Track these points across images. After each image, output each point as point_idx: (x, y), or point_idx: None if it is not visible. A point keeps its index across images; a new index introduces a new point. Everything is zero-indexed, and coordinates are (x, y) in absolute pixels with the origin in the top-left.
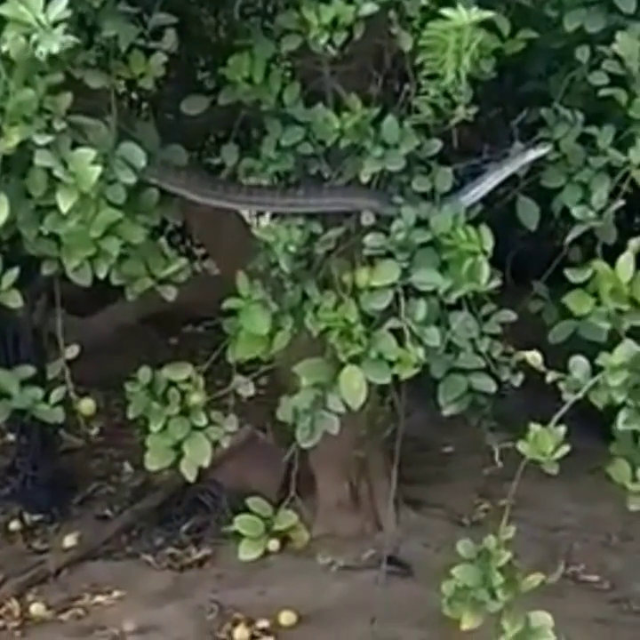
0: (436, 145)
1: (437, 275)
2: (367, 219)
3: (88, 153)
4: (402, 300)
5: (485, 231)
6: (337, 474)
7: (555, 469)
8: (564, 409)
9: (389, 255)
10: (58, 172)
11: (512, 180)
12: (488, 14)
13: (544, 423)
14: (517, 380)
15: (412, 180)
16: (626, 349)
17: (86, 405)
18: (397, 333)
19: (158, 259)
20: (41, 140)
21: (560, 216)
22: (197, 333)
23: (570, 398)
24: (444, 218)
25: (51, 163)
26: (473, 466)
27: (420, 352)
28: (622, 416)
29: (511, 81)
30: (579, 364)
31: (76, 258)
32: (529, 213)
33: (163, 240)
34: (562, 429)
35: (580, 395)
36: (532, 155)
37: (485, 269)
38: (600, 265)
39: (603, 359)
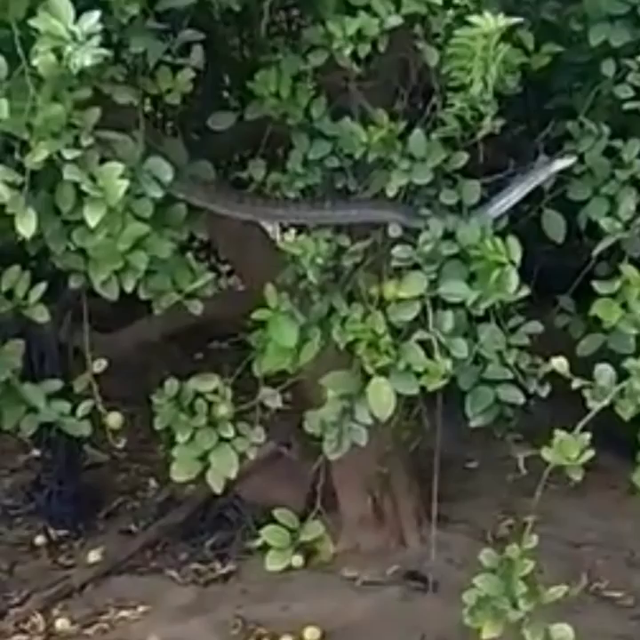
0: (463, 157)
1: (465, 286)
2: (394, 231)
3: (115, 167)
4: (429, 311)
5: (513, 242)
6: (360, 489)
7: (579, 475)
8: (588, 416)
9: (416, 267)
10: (85, 187)
11: (537, 193)
12: (515, 20)
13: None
14: (544, 391)
15: (438, 194)
16: None
17: (114, 419)
18: (425, 345)
19: (185, 273)
20: (69, 154)
21: (585, 230)
22: (222, 349)
23: (595, 406)
24: (472, 229)
25: (79, 177)
26: (497, 481)
27: (448, 364)
28: None
29: (536, 96)
30: (604, 371)
31: (104, 272)
32: (555, 226)
33: (190, 255)
34: (586, 436)
35: (605, 402)
36: (558, 165)
37: (514, 279)
38: (628, 269)
39: (629, 363)
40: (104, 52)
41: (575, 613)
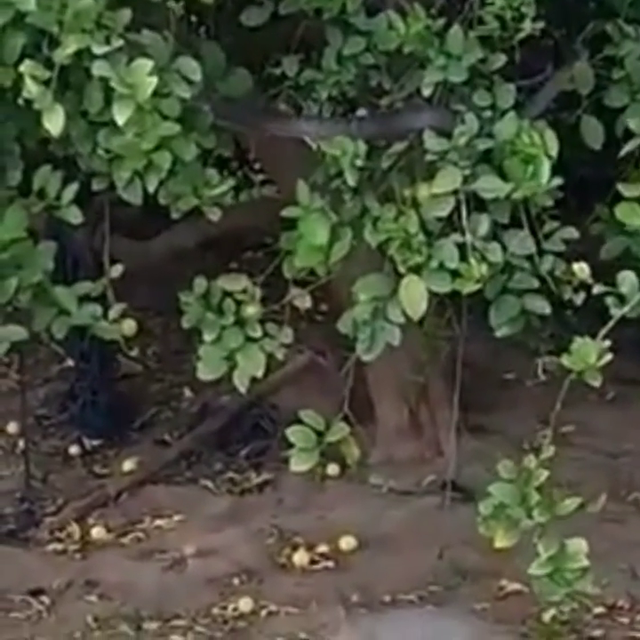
0: (500, 59)
1: (499, 181)
2: (429, 137)
3: (145, 64)
4: (463, 212)
5: (550, 135)
6: (396, 400)
7: (598, 381)
8: (610, 323)
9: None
10: (114, 83)
11: (575, 100)
12: None
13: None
14: (579, 298)
15: (473, 94)
16: None
17: (128, 326)
18: (459, 248)
19: (206, 179)
20: (99, 49)
21: (623, 137)
22: (257, 259)
23: (616, 313)
24: (508, 124)
25: (108, 73)
26: (534, 392)
27: (484, 268)
28: None
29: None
30: (627, 278)
31: (127, 170)
32: (593, 133)
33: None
34: (606, 343)
35: (626, 309)
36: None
37: (546, 170)
38: None
39: None
40: None
41: (614, 524)
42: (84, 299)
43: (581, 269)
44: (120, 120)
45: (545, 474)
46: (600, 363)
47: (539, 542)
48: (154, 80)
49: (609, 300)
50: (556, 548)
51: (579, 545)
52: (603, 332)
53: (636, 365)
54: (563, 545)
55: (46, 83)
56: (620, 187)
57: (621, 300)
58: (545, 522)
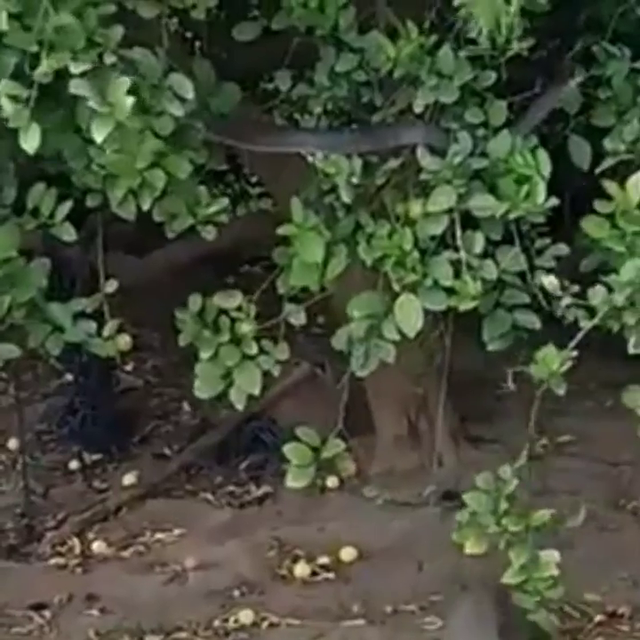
0: (491, 76)
1: (494, 199)
2: (422, 155)
3: (124, 82)
4: (458, 230)
5: (543, 155)
6: (395, 410)
7: (562, 389)
8: (579, 335)
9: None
10: (92, 102)
11: (563, 118)
12: None
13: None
14: (571, 314)
15: (465, 112)
16: (632, 267)
17: (123, 341)
18: (454, 266)
19: (201, 197)
20: (76, 68)
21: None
22: (254, 273)
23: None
24: (502, 143)
25: (86, 92)
26: (531, 402)
27: (478, 285)
28: (633, 338)
29: (566, 13)
30: (597, 292)
31: (120, 189)
32: (580, 152)
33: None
34: (571, 353)
35: (595, 320)
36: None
37: (541, 190)
38: (610, 185)
39: (611, 279)
40: None
41: (612, 533)
42: (78, 315)
43: (551, 283)
44: (98, 138)
45: (514, 482)
46: (562, 369)
47: (511, 551)
48: (130, 99)
49: (579, 314)
50: (526, 557)
51: (551, 555)
52: (572, 343)
53: (633, 371)
54: (535, 555)
55: (27, 100)
56: (597, 203)
57: (591, 313)
58: (517, 531)
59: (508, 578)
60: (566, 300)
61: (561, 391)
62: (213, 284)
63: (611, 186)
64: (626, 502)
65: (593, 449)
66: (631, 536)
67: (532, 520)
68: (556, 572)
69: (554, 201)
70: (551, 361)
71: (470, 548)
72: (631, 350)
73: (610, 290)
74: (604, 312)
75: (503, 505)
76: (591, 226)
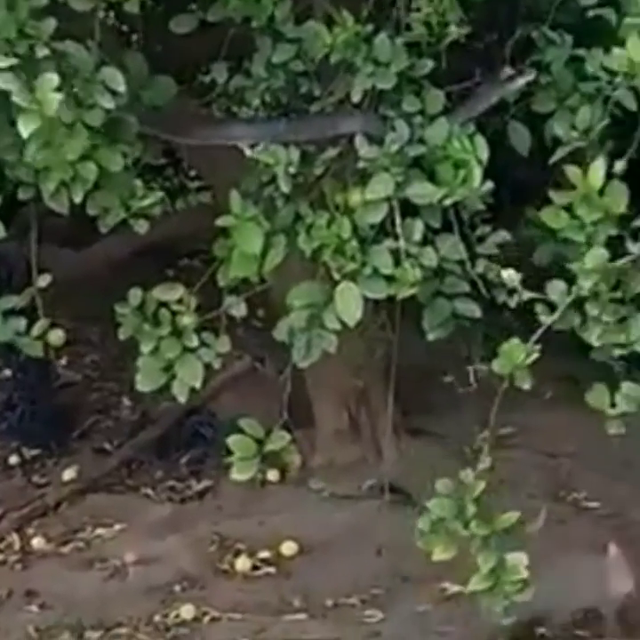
0: (428, 65)
1: (431, 186)
2: (361, 144)
3: (51, 79)
4: (397, 218)
5: (480, 140)
6: (335, 403)
7: (527, 383)
8: (540, 330)
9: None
10: (17, 98)
11: (502, 105)
12: None
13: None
14: (513, 301)
15: (402, 100)
16: (597, 254)
17: (56, 336)
18: (393, 254)
19: (134, 190)
20: (3, 62)
21: (552, 142)
22: (194, 266)
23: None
24: (439, 130)
25: (12, 87)
26: (473, 395)
27: (417, 272)
28: (596, 331)
29: (507, 4)
30: (556, 286)
31: (52, 182)
32: (520, 139)
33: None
34: (535, 346)
35: (555, 316)
36: (520, 82)
37: (477, 174)
38: (572, 170)
39: (575, 265)
40: None
41: (556, 525)
42: (8, 312)
43: (510, 276)
44: (25, 133)
45: (481, 485)
46: (527, 361)
47: (478, 555)
48: (58, 96)
49: (539, 308)
50: (494, 561)
51: (518, 558)
52: (534, 337)
53: (571, 362)
54: (502, 559)
55: None
56: (552, 193)
57: (551, 307)
58: (484, 534)
59: (475, 584)
60: (526, 295)
61: (526, 385)
62: (153, 277)
63: (572, 171)
64: (566, 494)
65: (533, 441)
66: (573, 528)
67: (498, 523)
68: (525, 574)
69: (489, 185)
70: (516, 354)
71: (439, 554)
72: (594, 343)
73: (569, 283)
74: (565, 305)
75: (471, 509)
76: (548, 216)
